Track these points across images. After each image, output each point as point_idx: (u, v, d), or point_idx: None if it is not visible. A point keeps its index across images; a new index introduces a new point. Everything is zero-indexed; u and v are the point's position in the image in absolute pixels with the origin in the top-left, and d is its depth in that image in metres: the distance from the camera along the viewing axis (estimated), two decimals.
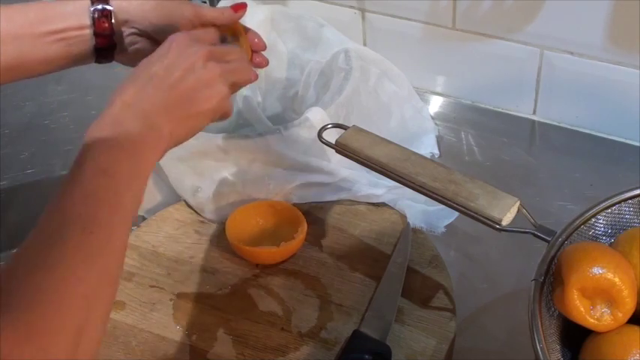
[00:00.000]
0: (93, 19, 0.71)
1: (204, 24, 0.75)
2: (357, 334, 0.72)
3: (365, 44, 1.07)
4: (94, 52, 0.73)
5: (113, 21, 0.72)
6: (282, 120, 1.00)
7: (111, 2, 0.72)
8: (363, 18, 1.06)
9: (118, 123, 0.59)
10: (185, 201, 0.88)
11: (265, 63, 0.79)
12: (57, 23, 0.70)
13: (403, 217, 0.85)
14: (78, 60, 0.73)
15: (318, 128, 0.78)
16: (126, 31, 0.73)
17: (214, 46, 0.69)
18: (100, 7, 0.71)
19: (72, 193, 0.54)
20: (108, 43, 0.72)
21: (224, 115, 0.68)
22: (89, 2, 0.72)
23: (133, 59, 0.75)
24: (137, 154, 0.58)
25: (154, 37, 0.75)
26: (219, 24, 0.76)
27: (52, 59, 0.72)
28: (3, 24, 0.69)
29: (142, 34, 0.74)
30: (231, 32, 0.77)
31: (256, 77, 0.72)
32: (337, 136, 0.75)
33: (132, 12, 0.73)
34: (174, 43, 0.65)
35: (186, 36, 0.67)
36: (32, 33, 0.70)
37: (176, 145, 0.64)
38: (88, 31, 0.71)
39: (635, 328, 0.61)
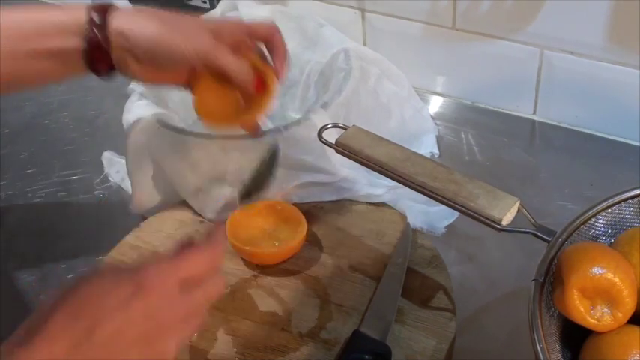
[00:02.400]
0: (88, 37, 0.68)
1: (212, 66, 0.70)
2: (357, 334, 0.72)
3: (365, 44, 1.08)
4: (90, 68, 0.70)
5: (108, 34, 0.68)
6: (282, 120, 1.00)
7: (110, 20, 0.68)
8: (363, 18, 1.06)
9: None
10: (185, 201, 0.88)
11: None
12: (52, 40, 0.68)
13: (403, 217, 0.85)
14: (74, 74, 0.72)
15: (318, 128, 0.78)
16: (121, 51, 0.69)
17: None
18: (95, 29, 0.68)
19: None
20: (102, 58, 0.69)
21: None
22: (85, 12, 0.68)
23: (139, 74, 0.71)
24: None
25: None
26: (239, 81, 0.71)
27: (47, 74, 0.70)
28: (2, 41, 0.67)
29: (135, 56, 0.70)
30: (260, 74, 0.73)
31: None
32: (337, 136, 0.75)
33: (131, 37, 0.68)
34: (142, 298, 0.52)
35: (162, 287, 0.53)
36: (28, 51, 0.68)
37: None
38: (83, 47, 0.68)
39: (635, 328, 0.61)
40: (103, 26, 0.68)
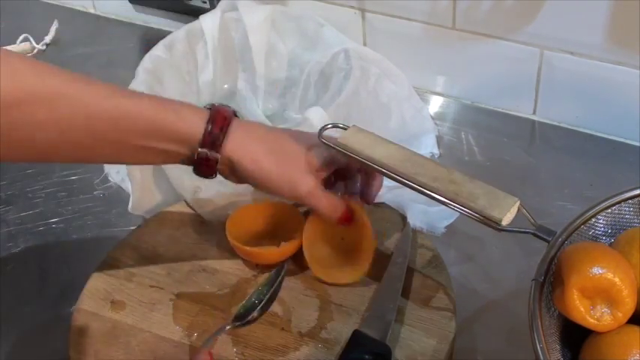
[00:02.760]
0: (198, 153, 0.69)
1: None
2: (357, 334, 0.72)
3: (365, 44, 1.08)
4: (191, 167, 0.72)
5: (219, 154, 0.69)
6: (282, 120, 1.00)
7: (224, 142, 0.69)
8: (363, 18, 1.06)
9: None
10: (185, 201, 0.88)
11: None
12: (163, 144, 0.68)
13: (403, 217, 0.85)
14: (171, 164, 0.73)
15: (318, 128, 0.78)
16: (226, 169, 0.72)
17: None
18: (210, 151, 0.69)
19: None
20: (207, 169, 0.71)
21: None
22: (203, 126, 0.68)
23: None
24: None
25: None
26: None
27: (146, 161, 0.72)
28: (109, 129, 0.65)
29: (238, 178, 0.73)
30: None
31: None
32: (337, 136, 0.75)
33: (238, 167, 0.71)
34: None
35: None
36: (134, 145, 0.67)
37: None
38: (191, 156, 0.69)
39: (635, 328, 0.61)
40: (216, 148, 0.69)
